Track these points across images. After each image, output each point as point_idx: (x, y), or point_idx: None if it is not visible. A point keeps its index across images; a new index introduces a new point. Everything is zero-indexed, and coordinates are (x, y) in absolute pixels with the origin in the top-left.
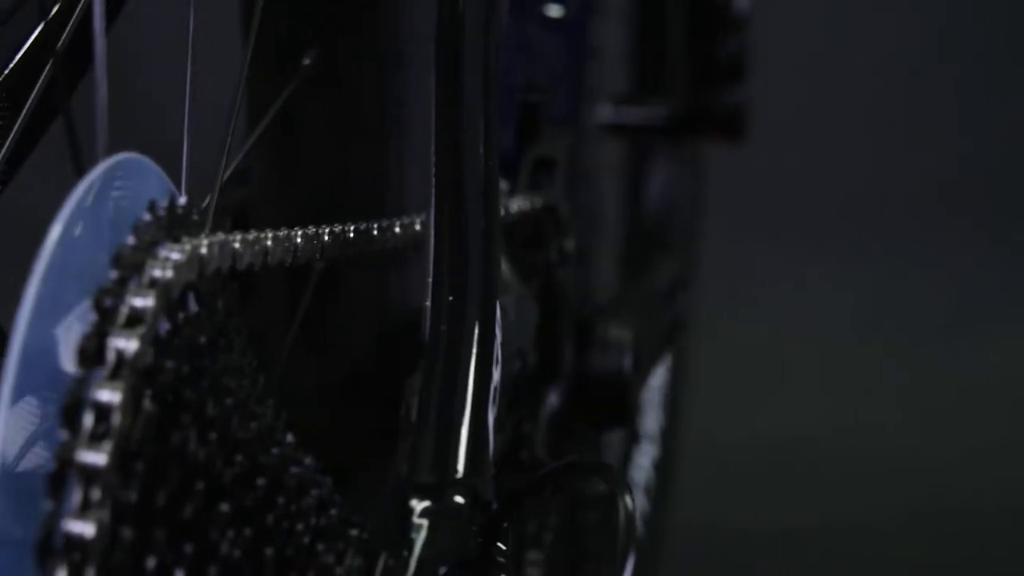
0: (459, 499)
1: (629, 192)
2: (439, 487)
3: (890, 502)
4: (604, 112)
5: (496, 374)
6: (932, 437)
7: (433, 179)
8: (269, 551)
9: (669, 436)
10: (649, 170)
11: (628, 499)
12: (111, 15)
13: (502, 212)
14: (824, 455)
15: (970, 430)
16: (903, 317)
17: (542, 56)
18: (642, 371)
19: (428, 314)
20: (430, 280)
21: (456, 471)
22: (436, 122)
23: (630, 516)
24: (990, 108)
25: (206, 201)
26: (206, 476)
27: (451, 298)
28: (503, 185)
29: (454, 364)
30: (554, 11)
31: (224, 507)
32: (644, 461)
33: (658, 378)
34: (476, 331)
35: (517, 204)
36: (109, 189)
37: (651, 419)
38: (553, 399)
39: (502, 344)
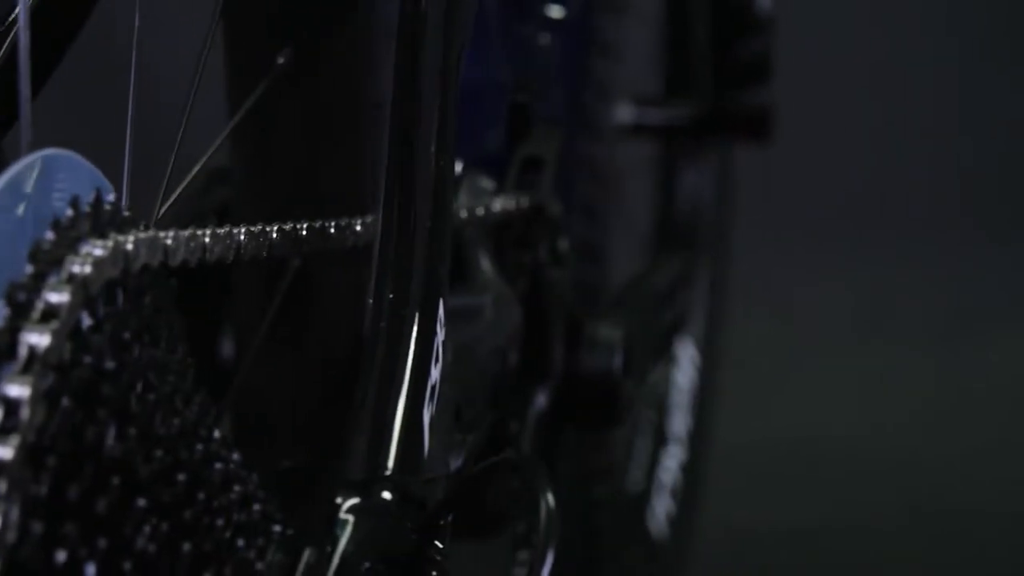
0: (387, 496)
1: (658, 192)
2: (367, 484)
3: (891, 502)
4: (627, 113)
5: (435, 373)
6: (936, 437)
7: (384, 177)
8: (186, 546)
9: (696, 439)
10: (678, 170)
11: (550, 497)
12: (74, 29)
13: (484, 211)
14: (826, 455)
15: (975, 430)
16: (905, 317)
17: (537, 56)
18: (634, 371)
19: (370, 311)
20: (374, 277)
21: (386, 468)
22: (390, 120)
23: (551, 514)
24: (990, 108)
25: (169, 198)
26: (121, 471)
27: (391, 296)
28: (488, 184)
29: (391, 362)
30: (555, 11)
31: (139, 502)
32: (671, 463)
33: (686, 380)
34: (415, 329)
35: (502, 203)
36: (47, 186)
37: (678, 421)
38: (542, 399)
39: (476, 343)
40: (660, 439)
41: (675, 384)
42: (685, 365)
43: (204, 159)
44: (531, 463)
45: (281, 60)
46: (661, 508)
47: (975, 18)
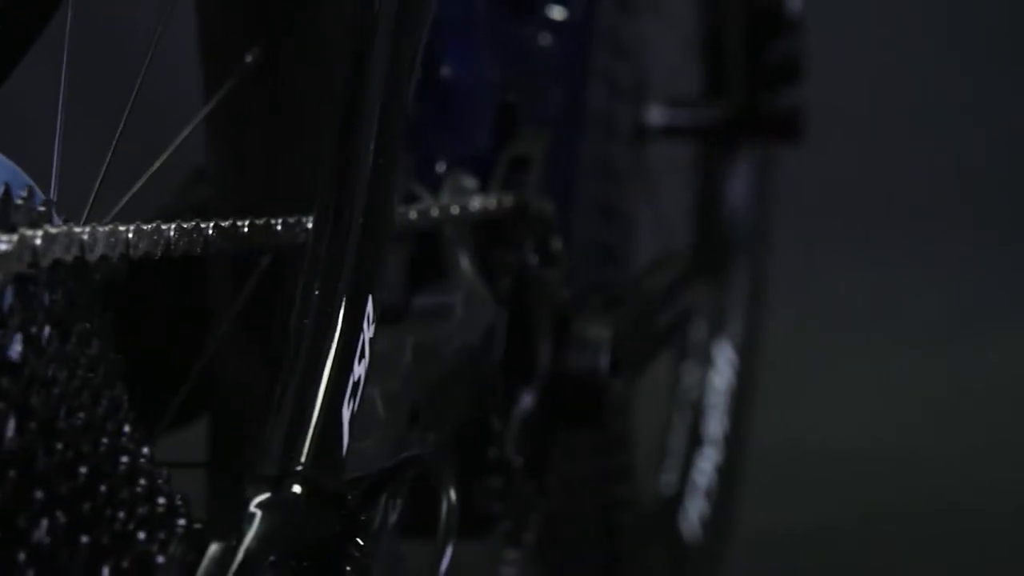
0: (297, 491)
1: (696, 193)
2: (277, 478)
3: (904, 503)
4: (660, 114)
5: (359, 370)
6: (946, 438)
7: (322, 173)
8: (83, 539)
9: (733, 440)
10: (717, 171)
11: (452, 494)
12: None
13: (466, 210)
14: (834, 456)
15: (983, 430)
16: (911, 317)
17: (530, 56)
18: (624, 371)
19: (296, 307)
20: (304, 273)
21: (298, 463)
22: (336, 117)
23: (452, 510)
24: (993, 109)
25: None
26: (18, 465)
27: (316, 292)
28: (472, 183)
29: (310, 358)
30: (554, 12)
31: (37, 495)
32: (706, 465)
33: (723, 381)
34: (339, 326)
35: (485, 202)
36: None
37: (714, 423)
38: (528, 398)
39: (444, 342)
40: (695, 440)
41: (711, 386)
42: (722, 367)
43: (164, 157)
44: (437, 460)
45: (249, 59)
46: (694, 510)
47: (977, 19)
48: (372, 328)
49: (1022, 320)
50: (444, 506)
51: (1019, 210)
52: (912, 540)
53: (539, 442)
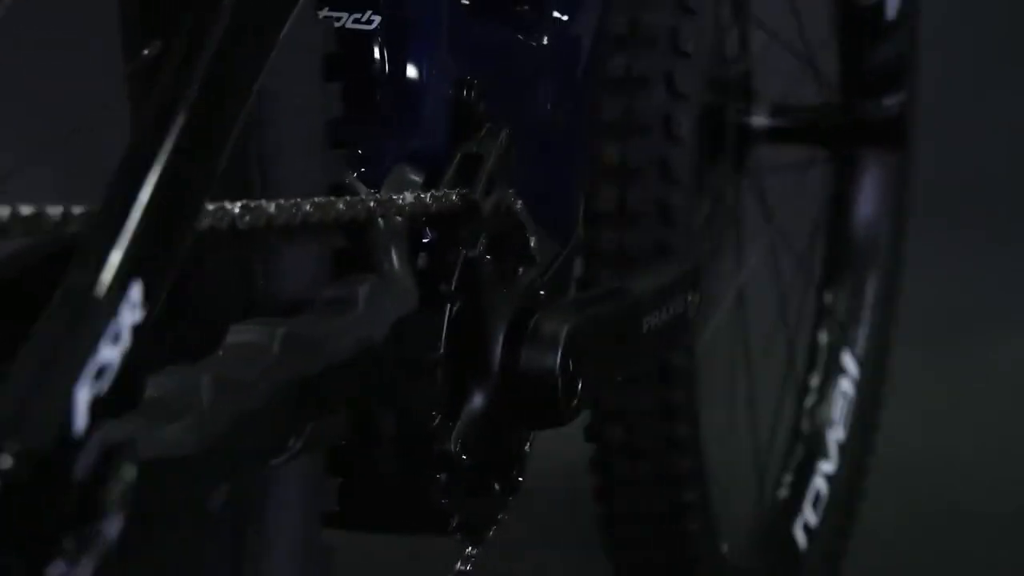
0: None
1: (828, 201)
2: None
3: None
4: (762, 118)
5: (110, 353)
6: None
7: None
8: None
9: (852, 451)
10: (845, 177)
11: (124, 473)
12: None
13: (398, 204)
14: None
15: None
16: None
17: (496, 56)
18: (587, 371)
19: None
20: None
21: (10, 438)
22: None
23: (123, 490)
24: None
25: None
26: None
27: (77, 271)
28: (415, 178)
29: (51, 336)
30: (543, 13)
31: None
32: (822, 475)
33: (845, 391)
34: (89, 308)
35: (416, 198)
36: None
37: (833, 433)
38: (478, 396)
39: (336, 335)
40: (813, 450)
41: (832, 396)
42: (844, 378)
43: (47, 152)
44: (120, 443)
45: (147, 52)
46: (810, 518)
47: (977, 20)
48: (138, 314)
49: (1022, 320)
50: (115, 488)
51: (1019, 210)
52: (912, 540)
53: (495, 440)
